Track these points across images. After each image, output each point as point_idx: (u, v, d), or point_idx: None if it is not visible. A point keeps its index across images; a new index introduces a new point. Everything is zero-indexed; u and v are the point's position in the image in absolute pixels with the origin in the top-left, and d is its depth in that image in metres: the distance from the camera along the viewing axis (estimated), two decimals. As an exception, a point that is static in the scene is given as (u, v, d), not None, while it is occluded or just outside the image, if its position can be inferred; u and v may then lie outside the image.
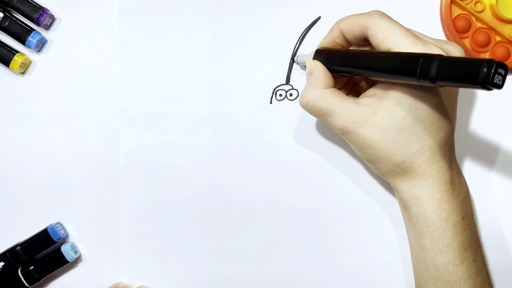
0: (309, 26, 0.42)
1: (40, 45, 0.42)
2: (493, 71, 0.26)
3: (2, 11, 0.42)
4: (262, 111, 0.43)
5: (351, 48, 0.38)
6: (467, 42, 0.41)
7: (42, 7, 0.42)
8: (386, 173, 0.36)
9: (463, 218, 0.35)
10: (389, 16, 0.35)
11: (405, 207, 0.37)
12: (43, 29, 0.43)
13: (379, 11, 0.35)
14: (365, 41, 0.36)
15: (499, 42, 0.41)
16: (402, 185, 0.36)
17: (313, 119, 0.42)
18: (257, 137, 0.43)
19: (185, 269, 0.43)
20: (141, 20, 0.42)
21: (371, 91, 0.36)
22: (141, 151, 0.43)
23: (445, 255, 0.35)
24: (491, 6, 0.41)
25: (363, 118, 0.34)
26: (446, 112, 0.35)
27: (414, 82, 0.31)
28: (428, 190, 0.35)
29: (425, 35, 0.35)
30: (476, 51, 0.41)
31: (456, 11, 0.41)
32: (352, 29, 0.36)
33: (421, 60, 0.30)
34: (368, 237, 0.42)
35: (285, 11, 0.42)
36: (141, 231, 0.43)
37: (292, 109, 0.42)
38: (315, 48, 0.39)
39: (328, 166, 0.43)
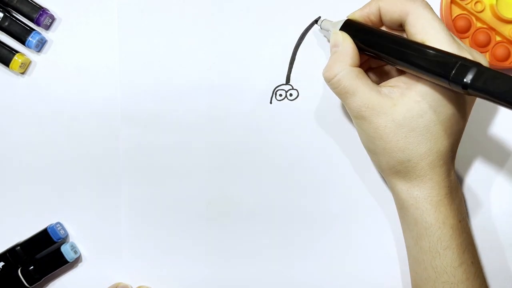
0: (309, 26, 0.42)
1: (40, 45, 0.42)
2: None
3: (2, 11, 0.42)
4: (262, 111, 0.42)
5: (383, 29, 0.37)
6: (467, 42, 0.41)
7: (42, 7, 0.42)
8: (386, 168, 0.36)
9: (460, 221, 0.35)
10: (432, 9, 0.34)
11: (402, 208, 0.36)
12: (43, 29, 0.43)
13: (424, 0, 0.34)
14: (400, 26, 0.35)
15: (499, 42, 0.41)
16: (401, 184, 0.36)
17: (313, 119, 0.42)
18: (257, 137, 0.43)
19: (185, 269, 0.43)
20: (141, 20, 0.42)
21: (394, 81, 0.35)
22: (141, 151, 0.43)
23: (443, 257, 0.35)
24: (491, 6, 0.41)
25: (381, 107, 0.34)
26: (461, 120, 0.34)
27: (444, 84, 0.29)
28: (427, 193, 0.35)
29: (461, 41, 0.34)
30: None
31: (456, 11, 0.41)
32: (392, 10, 0.35)
33: (459, 63, 0.28)
34: (368, 237, 0.42)
35: (285, 11, 0.42)
36: (141, 231, 0.43)
37: (292, 109, 0.42)
38: (344, 18, 0.37)
39: (328, 166, 0.43)
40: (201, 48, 0.42)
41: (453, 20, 0.41)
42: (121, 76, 0.43)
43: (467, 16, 0.41)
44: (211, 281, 0.43)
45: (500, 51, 0.41)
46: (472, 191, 0.42)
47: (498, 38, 0.41)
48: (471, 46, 0.41)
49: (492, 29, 0.41)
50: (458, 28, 0.41)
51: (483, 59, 0.34)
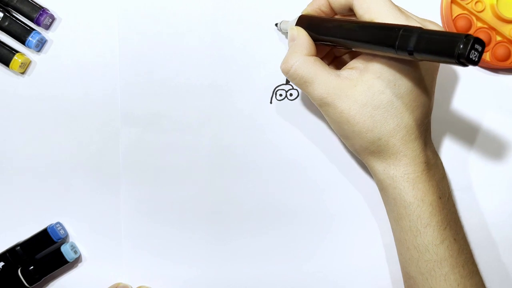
0: None
1: (40, 45, 0.42)
2: (469, 46, 0.26)
3: (2, 11, 0.42)
4: (262, 111, 0.42)
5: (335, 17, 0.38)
6: (467, 42, 0.41)
7: (42, 7, 0.42)
8: (361, 151, 0.36)
9: (440, 198, 0.35)
10: None
11: (381, 188, 0.37)
12: (43, 29, 0.43)
13: None
14: (350, 11, 0.36)
15: (499, 41, 0.41)
16: (377, 164, 0.36)
17: (313, 119, 0.42)
18: (257, 137, 0.43)
19: (185, 269, 0.43)
20: (141, 20, 0.42)
21: (352, 63, 0.36)
22: (141, 151, 0.43)
23: (424, 235, 0.34)
24: (492, 6, 0.41)
25: (342, 90, 0.34)
26: (425, 91, 0.35)
27: (392, 53, 0.31)
28: (403, 170, 0.35)
29: (409, 12, 0.35)
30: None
31: (457, 10, 0.41)
32: None
33: (401, 31, 0.30)
34: (368, 238, 0.42)
35: (285, 11, 0.42)
36: (141, 231, 0.43)
37: (292, 109, 0.42)
38: (299, 14, 0.39)
39: (328, 166, 0.43)
40: (201, 48, 0.42)
41: (453, 20, 0.41)
42: (121, 76, 0.43)
43: (467, 16, 0.41)
44: (211, 281, 0.43)
45: (501, 51, 0.41)
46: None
47: (498, 38, 0.41)
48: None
49: (492, 28, 0.41)
50: (459, 28, 0.41)
51: (437, 26, 0.35)
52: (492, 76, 0.42)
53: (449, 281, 0.34)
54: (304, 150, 0.43)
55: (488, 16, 0.41)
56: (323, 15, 0.38)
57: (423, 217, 0.34)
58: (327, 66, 0.36)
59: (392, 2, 0.34)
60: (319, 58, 0.36)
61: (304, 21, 0.38)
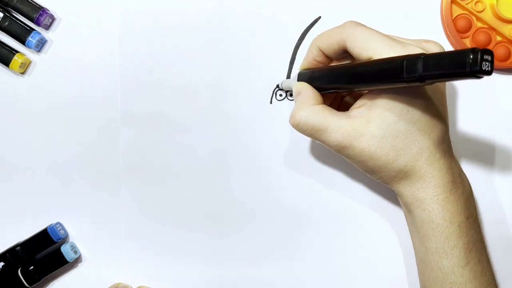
0: (309, 26, 0.42)
1: (40, 45, 0.42)
2: (479, 59, 0.26)
3: (2, 11, 0.42)
4: (262, 111, 0.42)
5: (332, 64, 0.38)
6: (467, 41, 0.41)
7: (42, 7, 0.42)
8: (389, 180, 0.36)
9: (467, 218, 0.35)
10: (364, 25, 0.35)
11: (409, 211, 0.36)
12: (43, 29, 0.43)
13: (353, 21, 0.35)
14: (345, 53, 0.36)
15: (499, 42, 0.41)
16: (406, 190, 0.35)
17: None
18: (257, 137, 0.43)
19: (185, 269, 0.43)
20: (141, 20, 0.42)
21: (360, 102, 0.35)
22: (141, 151, 0.43)
23: (450, 257, 0.34)
24: (492, 6, 0.41)
25: (357, 130, 0.34)
26: (438, 110, 0.35)
27: (402, 85, 0.30)
28: (432, 192, 0.34)
29: (402, 38, 0.35)
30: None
31: (457, 11, 0.41)
32: (330, 44, 0.36)
33: (405, 62, 0.29)
34: (368, 238, 0.42)
35: (286, 11, 0.42)
36: (141, 231, 0.43)
37: (292, 109, 0.42)
38: (297, 72, 0.39)
39: (328, 166, 0.43)
40: (201, 48, 0.42)
41: (453, 20, 0.41)
42: (121, 76, 0.43)
43: (467, 16, 0.41)
44: (211, 281, 0.43)
45: (501, 51, 0.41)
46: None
47: (498, 38, 0.41)
48: (472, 46, 0.41)
49: (492, 29, 0.41)
50: (459, 28, 0.41)
51: (435, 45, 0.34)
52: (492, 76, 0.42)
53: None
54: (304, 150, 0.43)
55: (488, 16, 0.41)
56: (320, 65, 0.38)
57: (451, 239, 0.34)
58: (335, 111, 0.36)
59: (384, 34, 0.34)
60: (326, 106, 0.36)
61: (304, 76, 0.38)
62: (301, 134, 0.36)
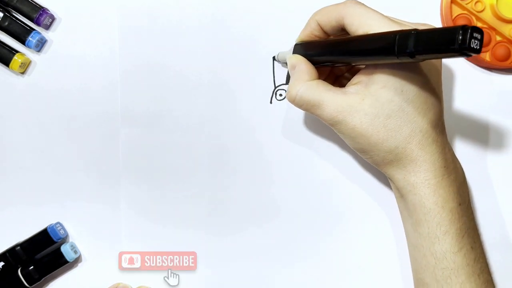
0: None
1: (40, 45, 0.42)
2: (468, 36, 0.27)
3: (2, 11, 0.42)
4: (262, 111, 0.42)
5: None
6: (467, 42, 0.41)
7: (42, 7, 0.42)
8: (379, 162, 0.36)
9: (460, 204, 0.35)
10: (364, 4, 0.35)
11: (401, 196, 0.36)
12: (43, 29, 0.43)
13: None
14: (343, 31, 0.36)
15: (499, 41, 0.41)
16: (397, 173, 0.36)
17: (313, 119, 0.42)
18: (257, 137, 0.43)
19: (185, 269, 0.43)
20: (141, 20, 0.42)
21: (356, 78, 0.36)
22: (141, 151, 0.43)
23: (442, 243, 0.34)
24: (492, 6, 0.41)
25: (351, 106, 0.34)
26: (433, 92, 0.35)
27: (394, 60, 0.31)
28: (423, 176, 0.34)
29: (402, 20, 0.35)
30: (477, 51, 0.41)
31: (457, 10, 0.41)
32: (329, 20, 0.36)
33: (397, 36, 0.30)
34: (368, 237, 0.42)
35: (286, 11, 0.42)
36: (141, 231, 0.43)
37: (292, 109, 0.42)
38: (294, 43, 0.39)
39: (328, 166, 0.43)
40: (201, 48, 0.42)
41: (453, 20, 0.41)
42: (121, 76, 0.43)
43: (467, 16, 0.41)
44: (211, 281, 0.43)
45: (500, 51, 0.41)
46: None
47: (498, 38, 0.41)
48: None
49: (492, 28, 0.41)
50: (458, 28, 0.41)
51: (429, 27, 0.34)
52: (492, 76, 0.42)
53: None
54: (304, 150, 0.43)
55: (488, 16, 0.41)
56: (317, 39, 0.38)
57: (443, 224, 0.34)
58: (331, 86, 0.36)
59: (383, 14, 0.34)
60: (322, 81, 0.36)
61: (301, 48, 0.38)
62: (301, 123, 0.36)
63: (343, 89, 0.36)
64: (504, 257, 0.42)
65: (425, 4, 0.42)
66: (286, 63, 0.40)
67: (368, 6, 0.35)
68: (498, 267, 0.41)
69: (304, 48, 0.38)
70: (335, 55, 0.36)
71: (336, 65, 0.38)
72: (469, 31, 0.26)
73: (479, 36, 0.27)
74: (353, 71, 0.40)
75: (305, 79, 0.36)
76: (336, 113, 0.35)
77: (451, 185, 0.35)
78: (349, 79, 0.39)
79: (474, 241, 0.35)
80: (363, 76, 0.35)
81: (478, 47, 0.27)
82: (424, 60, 0.31)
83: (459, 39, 0.27)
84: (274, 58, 0.42)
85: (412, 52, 0.29)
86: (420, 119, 0.34)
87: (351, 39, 0.35)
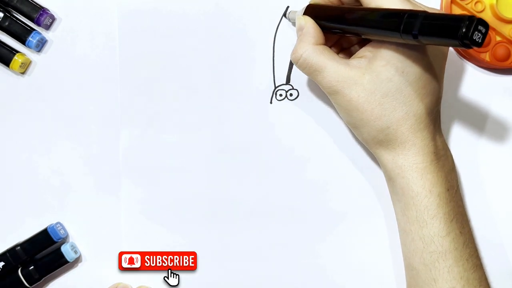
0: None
1: (40, 45, 0.42)
2: (472, 27, 0.27)
3: (2, 11, 0.42)
4: (262, 111, 0.43)
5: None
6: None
7: (42, 7, 0.42)
8: (369, 140, 0.36)
9: (448, 190, 0.35)
10: None
11: (389, 178, 0.37)
12: (43, 29, 0.43)
13: None
14: (357, 1, 0.36)
15: (499, 42, 0.41)
16: (386, 154, 0.36)
17: (313, 119, 0.42)
18: (257, 137, 0.43)
19: (185, 269, 0.43)
20: (141, 21, 0.42)
21: (361, 52, 0.36)
22: (141, 151, 0.43)
23: (430, 226, 0.34)
24: (491, 6, 0.41)
25: (351, 78, 0.34)
26: (434, 78, 0.35)
27: (397, 38, 0.31)
28: (412, 160, 0.35)
29: (417, 2, 0.35)
30: (476, 50, 0.41)
31: (457, 11, 0.41)
32: None
33: (406, 15, 0.30)
34: (368, 237, 0.42)
35: (286, 11, 0.42)
36: (141, 231, 0.43)
37: (292, 109, 0.42)
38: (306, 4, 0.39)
39: (329, 165, 0.43)
40: (201, 48, 0.42)
41: (453, 20, 0.41)
42: (121, 76, 0.43)
43: (467, 16, 0.41)
44: (211, 281, 0.43)
45: (500, 51, 0.41)
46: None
47: (498, 38, 0.41)
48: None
49: (492, 29, 0.41)
50: (458, 28, 0.41)
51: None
52: (492, 76, 0.42)
53: (452, 273, 0.34)
54: (304, 150, 0.43)
55: (488, 16, 0.41)
56: (330, 4, 0.38)
57: (430, 208, 0.34)
58: (336, 54, 0.36)
59: None
60: (327, 47, 0.37)
61: (312, 10, 0.38)
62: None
63: (347, 60, 0.36)
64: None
65: (425, 4, 0.42)
66: (295, 23, 0.40)
67: None
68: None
69: (315, 11, 0.38)
70: (344, 23, 0.35)
71: (344, 34, 0.38)
72: (475, 22, 0.27)
73: (483, 30, 0.27)
74: (361, 46, 0.40)
75: (312, 42, 0.36)
76: (336, 82, 0.35)
77: (439, 171, 0.35)
78: (356, 51, 0.39)
79: (463, 227, 0.36)
80: (368, 51, 0.35)
81: (480, 41, 0.27)
82: (426, 44, 0.31)
83: (463, 29, 0.27)
84: (284, 15, 0.42)
85: (416, 34, 0.29)
86: (416, 103, 0.34)
87: (361, 9, 0.35)
